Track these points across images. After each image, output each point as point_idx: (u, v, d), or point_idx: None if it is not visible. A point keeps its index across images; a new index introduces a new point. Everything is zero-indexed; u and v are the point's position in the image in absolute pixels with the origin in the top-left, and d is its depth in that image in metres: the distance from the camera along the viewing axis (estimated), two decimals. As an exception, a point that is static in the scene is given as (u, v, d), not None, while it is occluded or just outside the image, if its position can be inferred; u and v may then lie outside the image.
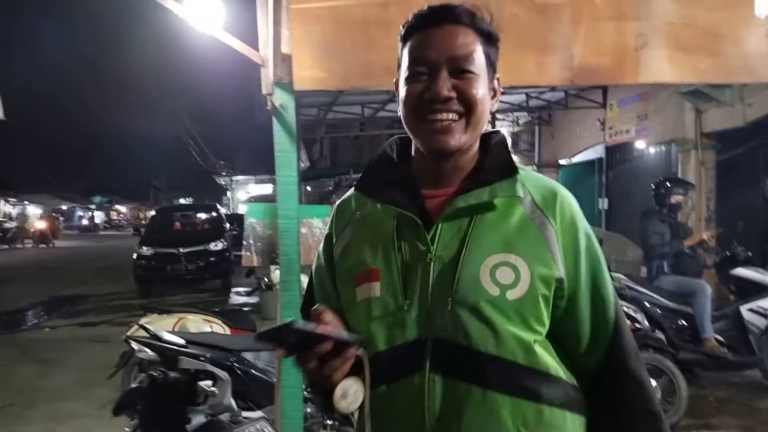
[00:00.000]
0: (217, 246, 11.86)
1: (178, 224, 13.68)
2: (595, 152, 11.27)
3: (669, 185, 5.35)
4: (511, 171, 1.09)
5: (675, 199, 5.26)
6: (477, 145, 1.15)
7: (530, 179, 1.13)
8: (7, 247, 26.02)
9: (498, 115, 10.74)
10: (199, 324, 4.56)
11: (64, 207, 46.96)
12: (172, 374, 3.19)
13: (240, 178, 26.43)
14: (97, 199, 55.34)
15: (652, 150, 9.69)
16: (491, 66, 1.13)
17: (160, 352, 3.38)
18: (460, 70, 1.07)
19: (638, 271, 6.89)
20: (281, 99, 3.10)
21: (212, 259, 11.71)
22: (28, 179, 40.23)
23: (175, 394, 3.10)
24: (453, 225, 1.08)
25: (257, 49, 3.23)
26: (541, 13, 2.77)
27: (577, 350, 1.11)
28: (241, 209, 28.15)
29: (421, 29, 1.10)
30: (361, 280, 1.12)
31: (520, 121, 13.08)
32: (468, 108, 1.07)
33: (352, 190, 1.25)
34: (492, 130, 1.22)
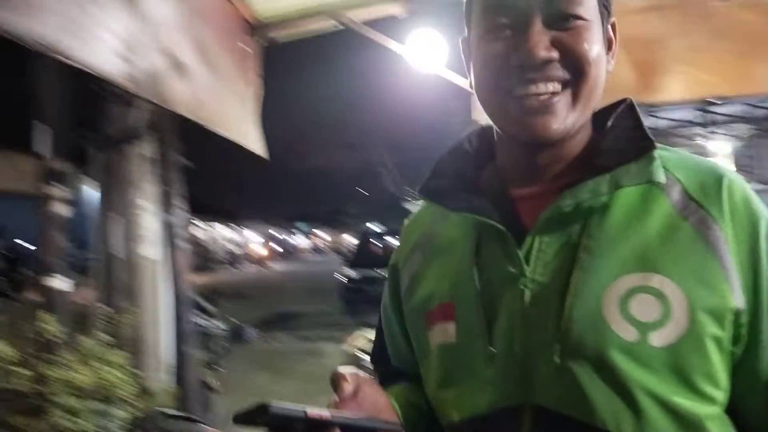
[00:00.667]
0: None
1: (379, 248, 14.53)
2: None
3: None
4: (645, 148, 0.71)
5: None
6: (590, 124, 0.80)
7: (677, 159, 0.75)
8: (233, 269, 29.82)
9: (717, 130, 9.65)
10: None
11: (274, 233, 52.48)
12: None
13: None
14: (302, 225, 61.01)
15: None
16: (605, 5, 0.76)
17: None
18: (564, 16, 0.71)
19: None
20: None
21: (412, 280, 12.20)
22: (245, 208, 45.80)
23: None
24: (557, 235, 0.73)
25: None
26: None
27: (756, 425, 0.71)
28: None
29: None
30: (434, 319, 0.81)
31: (742, 135, 11.59)
32: (578, 73, 0.72)
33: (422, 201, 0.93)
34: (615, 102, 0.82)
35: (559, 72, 0.71)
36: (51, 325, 3.07)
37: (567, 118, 0.72)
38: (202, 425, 2.82)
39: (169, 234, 3.91)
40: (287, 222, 58.07)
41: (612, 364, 0.65)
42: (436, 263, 0.84)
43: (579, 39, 0.71)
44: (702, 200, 0.70)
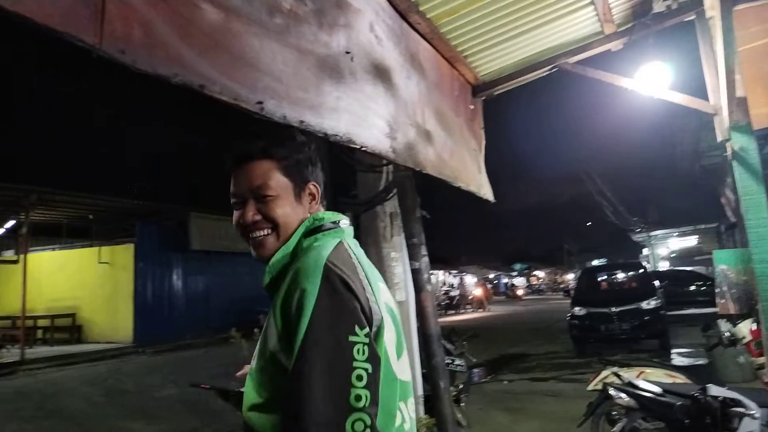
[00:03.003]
0: (649, 304, 11.48)
1: (605, 284, 13.85)
2: None
3: None
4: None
5: None
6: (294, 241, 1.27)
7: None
8: (453, 311, 30.51)
9: None
10: (661, 378, 4.55)
11: (490, 275, 52.48)
12: (650, 422, 3.31)
13: (659, 233, 25.02)
14: (518, 266, 60.10)
15: None
16: (299, 178, 1.30)
17: (638, 399, 3.56)
18: (260, 197, 1.26)
19: None
20: (740, 142, 3.08)
21: (646, 318, 11.36)
22: (462, 252, 46.72)
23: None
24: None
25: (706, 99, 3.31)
26: None
27: None
28: (662, 265, 26.44)
29: (232, 168, 1.31)
30: None
31: None
32: (273, 224, 1.26)
33: None
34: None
35: (264, 224, 1.27)
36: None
37: (272, 248, 1.26)
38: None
39: (416, 278, 4.37)
40: (504, 263, 57.79)
41: None
42: None
43: (268, 207, 1.26)
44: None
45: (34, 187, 14.23)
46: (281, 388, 1.05)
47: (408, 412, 1.22)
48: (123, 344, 16.33)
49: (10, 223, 16.68)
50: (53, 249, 19.36)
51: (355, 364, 1.02)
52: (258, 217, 1.26)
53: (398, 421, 1.16)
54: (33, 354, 14.02)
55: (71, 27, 1.28)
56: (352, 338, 1.04)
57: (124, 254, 17.69)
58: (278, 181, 1.27)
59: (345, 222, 1.33)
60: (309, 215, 1.30)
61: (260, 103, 1.86)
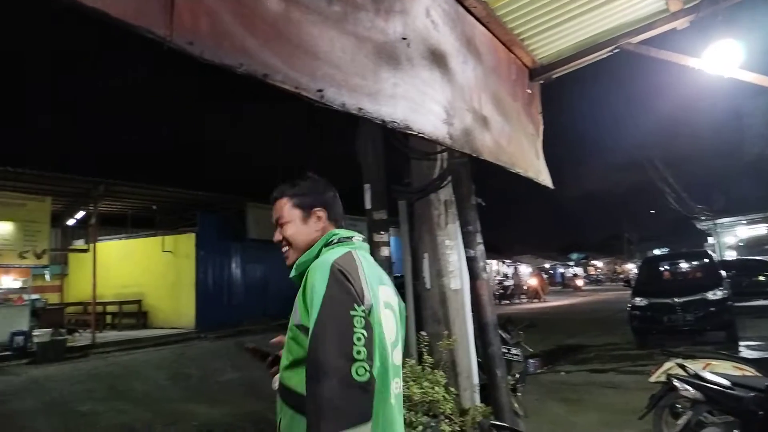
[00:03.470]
0: (716, 295, 11.01)
1: (668, 273, 13.35)
2: None
3: None
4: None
5: None
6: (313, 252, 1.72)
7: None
8: (507, 302, 30.16)
9: None
10: (729, 370, 4.38)
11: (546, 265, 51.50)
12: (717, 416, 3.19)
13: (725, 220, 23.91)
14: (574, 255, 58.70)
15: None
16: (305, 206, 1.79)
17: (705, 392, 3.43)
18: (281, 224, 1.80)
19: None
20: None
21: (712, 309, 10.90)
22: (517, 241, 45.95)
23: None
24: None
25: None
26: None
27: None
28: (729, 255, 25.21)
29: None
30: None
31: None
32: (289, 242, 1.77)
33: None
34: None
35: (284, 242, 1.78)
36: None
37: (292, 258, 1.76)
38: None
39: (472, 266, 4.35)
40: (560, 253, 56.54)
41: None
42: None
43: (284, 230, 1.78)
44: None
45: (102, 179, 14.91)
46: (304, 350, 1.45)
47: (398, 386, 1.62)
48: (186, 330, 16.99)
49: (80, 214, 17.58)
50: (120, 238, 20.27)
51: (355, 329, 1.42)
52: (280, 237, 1.80)
53: (392, 390, 1.56)
54: (103, 338, 14.77)
55: (144, 20, 1.33)
56: (352, 312, 1.44)
57: (186, 243, 18.34)
58: (289, 212, 1.79)
59: (358, 237, 1.77)
60: (325, 232, 1.77)
61: (320, 91, 1.88)
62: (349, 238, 1.74)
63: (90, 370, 11.11)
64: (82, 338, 14.54)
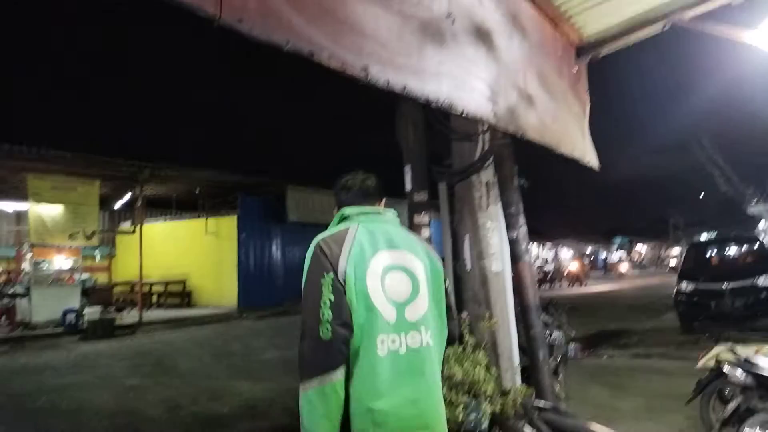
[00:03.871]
0: (767, 281, 10.66)
1: (716, 258, 12.95)
2: None
3: None
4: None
5: None
6: None
7: None
8: (548, 286, 29.81)
9: None
10: (783, 356, 4.23)
11: (587, 250, 50.55)
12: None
13: (778, 204, 22.97)
14: (618, 239, 57.37)
15: None
16: (336, 197, 2.05)
17: (756, 377, 3.33)
18: None
19: None
20: None
21: (763, 295, 10.55)
22: (560, 225, 45.15)
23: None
24: None
25: None
26: None
27: None
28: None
29: None
30: None
31: None
32: None
33: None
34: None
35: None
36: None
37: None
38: (579, 419, 3.02)
39: (513, 248, 4.30)
40: (604, 237, 55.31)
41: None
42: None
43: None
44: None
45: (148, 164, 15.30)
46: None
47: (404, 341, 1.71)
48: (228, 309, 17.38)
49: (127, 197, 18.11)
50: (165, 220, 20.82)
51: (322, 295, 1.65)
52: None
53: (387, 345, 1.68)
54: (149, 317, 15.26)
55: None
56: (321, 280, 1.67)
57: (228, 225, 18.70)
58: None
59: (366, 211, 1.90)
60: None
61: (365, 68, 1.88)
62: (354, 215, 1.90)
63: (137, 347, 11.52)
64: (130, 316, 15.06)
